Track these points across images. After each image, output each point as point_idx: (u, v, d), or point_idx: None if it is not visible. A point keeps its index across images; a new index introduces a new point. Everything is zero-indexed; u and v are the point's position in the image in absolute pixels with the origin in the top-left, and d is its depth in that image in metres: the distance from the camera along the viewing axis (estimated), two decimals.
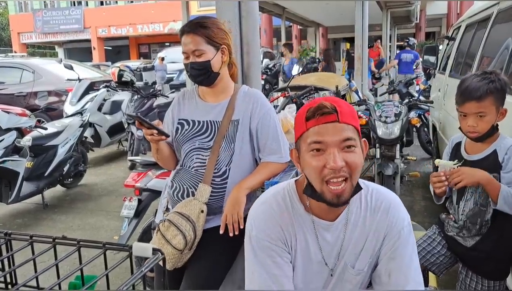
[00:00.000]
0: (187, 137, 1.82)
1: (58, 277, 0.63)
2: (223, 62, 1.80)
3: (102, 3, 28.93)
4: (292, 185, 1.29)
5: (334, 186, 1.11)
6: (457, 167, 1.79)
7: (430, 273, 2.14)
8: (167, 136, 1.71)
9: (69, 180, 5.41)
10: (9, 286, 0.66)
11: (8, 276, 0.65)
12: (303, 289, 1.28)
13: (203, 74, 1.76)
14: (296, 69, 3.82)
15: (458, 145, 1.95)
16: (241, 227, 1.67)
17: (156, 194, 2.85)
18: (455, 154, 1.95)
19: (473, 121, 1.74)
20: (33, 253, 0.66)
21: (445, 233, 2.00)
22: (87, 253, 0.71)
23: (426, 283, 2.12)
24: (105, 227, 4.19)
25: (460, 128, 1.85)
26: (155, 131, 1.64)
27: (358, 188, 1.18)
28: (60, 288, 0.60)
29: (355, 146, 1.13)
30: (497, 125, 1.78)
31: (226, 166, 1.78)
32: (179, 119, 1.87)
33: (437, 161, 1.86)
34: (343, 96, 4.43)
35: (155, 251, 0.57)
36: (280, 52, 9.88)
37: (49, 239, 0.66)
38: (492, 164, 1.76)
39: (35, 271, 0.63)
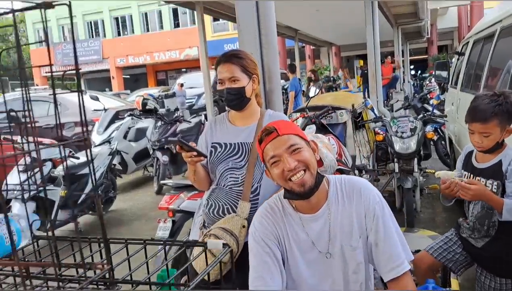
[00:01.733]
0: (221, 159, 1.99)
1: (148, 271, 0.82)
2: (253, 89, 2.01)
3: (119, 34, 29.91)
4: (283, 191, 1.57)
5: (295, 179, 1.43)
6: (458, 177, 1.97)
7: (452, 279, 2.27)
8: (205, 157, 1.89)
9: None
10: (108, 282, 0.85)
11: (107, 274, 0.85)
12: (310, 275, 1.54)
13: (237, 99, 1.96)
14: (313, 91, 4.02)
15: (470, 153, 2.13)
16: None
17: (188, 214, 3.03)
18: (467, 161, 2.13)
19: (478, 138, 1.93)
20: (127, 254, 0.85)
21: (460, 234, 2.18)
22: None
23: (448, 284, 2.25)
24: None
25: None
26: (194, 153, 1.80)
27: (320, 178, 1.50)
28: (150, 280, 0.79)
29: (301, 147, 1.47)
30: (503, 141, 1.94)
31: (257, 183, 1.95)
32: (212, 143, 2.05)
33: (436, 173, 2.05)
34: (359, 114, 4.60)
35: (224, 245, 0.75)
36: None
37: (140, 241, 0.85)
38: (496, 172, 1.94)
39: (129, 268, 0.82)
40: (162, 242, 0.82)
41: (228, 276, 1.92)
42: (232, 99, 1.96)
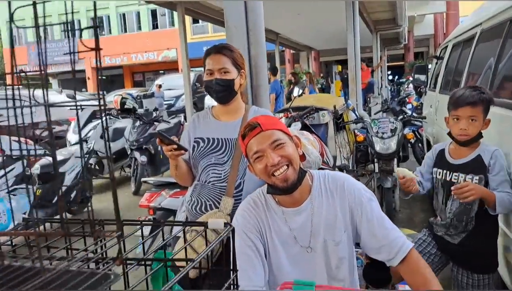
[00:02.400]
0: (203, 154, 1.95)
1: (145, 254, 0.78)
2: (241, 84, 1.99)
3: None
4: (266, 186, 1.57)
5: (278, 174, 1.43)
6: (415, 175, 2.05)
7: None
8: (186, 150, 1.83)
9: (75, 206, 5.49)
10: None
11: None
12: (291, 270, 1.52)
13: (225, 91, 1.92)
14: (296, 91, 4.04)
15: (442, 151, 2.15)
16: None
17: (170, 212, 2.98)
18: (440, 159, 2.15)
19: (465, 124, 1.96)
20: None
21: (435, 233, 2.18)
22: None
23: None
24: (116, 250, 4.26)
25: (449, 134, 2.07)
26: (174, 146, 1.75)
27: (303, 173, 1.49)
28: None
29: (284, 142, 1.46)
30: (481, 134, 2.00)
31: (241, 179, 1.91)
32: (195, 138, 2.00)
33: (396, 169, 2.10)
34: (341, 115, 4.64)
35: (225, 224, 0.73)
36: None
37: (137, 222, 0.82)
38: (478, 167, 1.98)
39: (123, 249, 0.79)
40: (160, 222, 0.79)
41: (207, 274, 1.90)
42: (221, 91, 1.92)
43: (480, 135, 1.99)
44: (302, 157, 1.56)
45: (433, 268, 2.14)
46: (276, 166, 1.42)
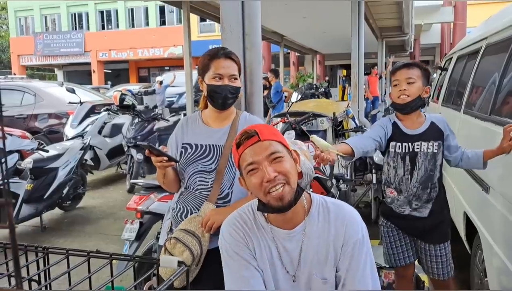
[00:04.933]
0: (190, 160, 1.88)
1: (91, 288, 0.70)
2: (240, 93, 1.96)
3: (103, 27, 29.42)
4: (255, 201, 1.43)
5: (274, 192, 1.27)
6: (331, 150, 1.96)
7: (422, 275, 2.34)
8: (176, 161, 1.76)
9: (68, 202, 5.43)
10: None
11: (44, 288, 0.72)
12: None
13: (233, 98, 1.88)
14: (295, 96, 3.95)
15: (395, 124, 2.15)
16: (211, 232, 1.78)
17: (158, 217, 2.90)
18: (396, 132, 2.14)
19: (404, 86, 2.04)
20: (68, 266, 0.73)
21: (397, 217, 2.17)
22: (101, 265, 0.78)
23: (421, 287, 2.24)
24: (104, 251, 4.18)
25: (392, 105, 2.15)
26: (165, 158, 1.67)
27: (300, 191, 1.34)
28: None
29: (282, 156, 1.31)
30: (423, 102, 2.10)
31: (228, 189, 1.84)
32: (183, 144, 1.94)
33: (311, 137, 2.08)
34: (341, 123, 4.55)
35: (179, 263, 0.64)
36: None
37: (84, 253, 0.73)
38: (436, 134, 2.08)
39: (69, 284, 0.70)
40: (108, 256, 0.70)
41: (195, 281, 1.82)
42: (230, 98, 1.86)
43: (420, 101, 2.06)
44: (300, 174, 1.43)
45: (410, 258, 2.21)
46: (271, 181, 1.27)
